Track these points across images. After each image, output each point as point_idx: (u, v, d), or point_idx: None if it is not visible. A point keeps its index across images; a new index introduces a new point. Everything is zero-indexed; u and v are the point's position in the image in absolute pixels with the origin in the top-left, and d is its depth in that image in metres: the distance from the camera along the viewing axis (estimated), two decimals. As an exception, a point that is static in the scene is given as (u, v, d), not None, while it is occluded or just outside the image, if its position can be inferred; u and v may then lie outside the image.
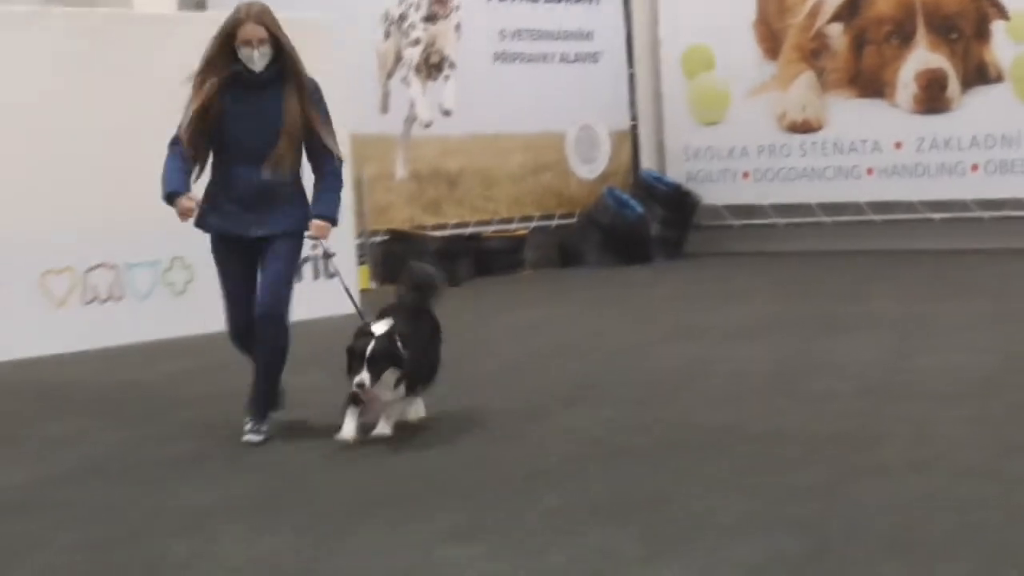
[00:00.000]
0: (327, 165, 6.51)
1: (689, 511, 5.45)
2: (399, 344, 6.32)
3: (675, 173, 16.41)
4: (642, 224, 15.55)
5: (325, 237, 6.50)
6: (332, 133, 6.58)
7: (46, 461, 7.19)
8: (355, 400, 6.35)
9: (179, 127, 6.37)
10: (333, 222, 6.54)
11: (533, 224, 15.73)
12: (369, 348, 6.12)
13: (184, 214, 6.28)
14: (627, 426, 7.35)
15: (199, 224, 6.47)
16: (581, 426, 7.33)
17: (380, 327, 6.34)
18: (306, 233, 6.50)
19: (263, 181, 6.34)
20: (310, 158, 6.47)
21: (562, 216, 15.99)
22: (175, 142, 6.37)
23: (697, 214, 16.26)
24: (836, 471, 6.02)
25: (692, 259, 15.89)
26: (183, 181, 6.30)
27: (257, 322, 6.42)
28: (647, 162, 16.73)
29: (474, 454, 7.13)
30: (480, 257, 14.97)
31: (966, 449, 6.37)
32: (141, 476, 6.70)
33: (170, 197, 6.26)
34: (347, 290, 6.72)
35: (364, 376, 6.07)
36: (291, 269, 6.66)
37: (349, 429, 6.22)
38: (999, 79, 14.60)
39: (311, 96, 6.43)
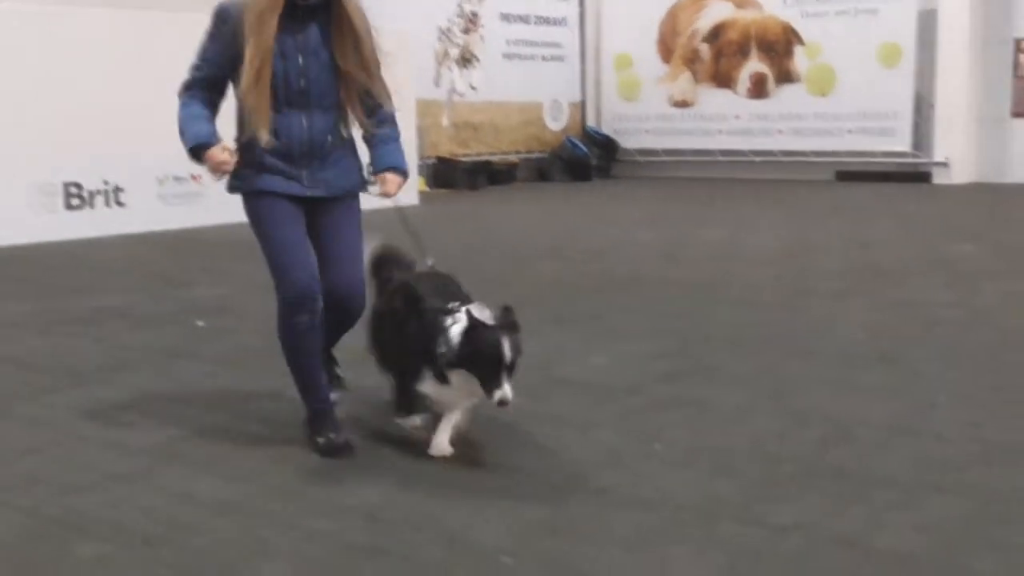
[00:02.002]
0: (385, 110, 4.20)
1: (610, 324, 6.12)
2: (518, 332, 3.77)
3: (607, 129, 18.52)
4: (586, 158, 17.69)
5: (395, 194, 4.18)
6: (382, 77, 4.20)
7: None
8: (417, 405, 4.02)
9: (193, 68, 4.09)
10: (404, 175, 4.25)
11: (523, 156, 17.61)
12: (508, 349, 3.63)
13: (219, 168, 4.01)
14: (575, 273, 8.11)
15: (235, 186, 4.16)
16: (549, 271, 8.23)
17: (483, 313, 3.76)
18: (373, 189, 4.22)
19: (318, 130, 4.03)
20: (363, 103, 4.11)
21: (539, 152, 17.98)
22: (190, 86, 4.10)
23: (618, 153, 18.28)
24: (696, 302, 6.89)
25: (615, 180, 17.70)
26: (210, 130, 4.04)
27: (343, 302, 4.14)
28: (591, 122, 18.77)
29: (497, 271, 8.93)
30: (491, 174, 16.59)
31: (768, 291, 7.33)
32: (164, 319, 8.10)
33: (197, 151, 4.00)
34: (413, 233, 4.16)
35: (507, 391, 3.60)
36: (361, 236, 4.27)
37: (445, 441, 3.94)
38: (798, 80, 16.68)
39: (366, 31, 4.06)
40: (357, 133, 4.22)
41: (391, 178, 4.20)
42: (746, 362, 5.27)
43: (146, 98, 11.08)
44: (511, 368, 3.66)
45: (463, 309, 3.78)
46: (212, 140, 3.99)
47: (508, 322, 3.77)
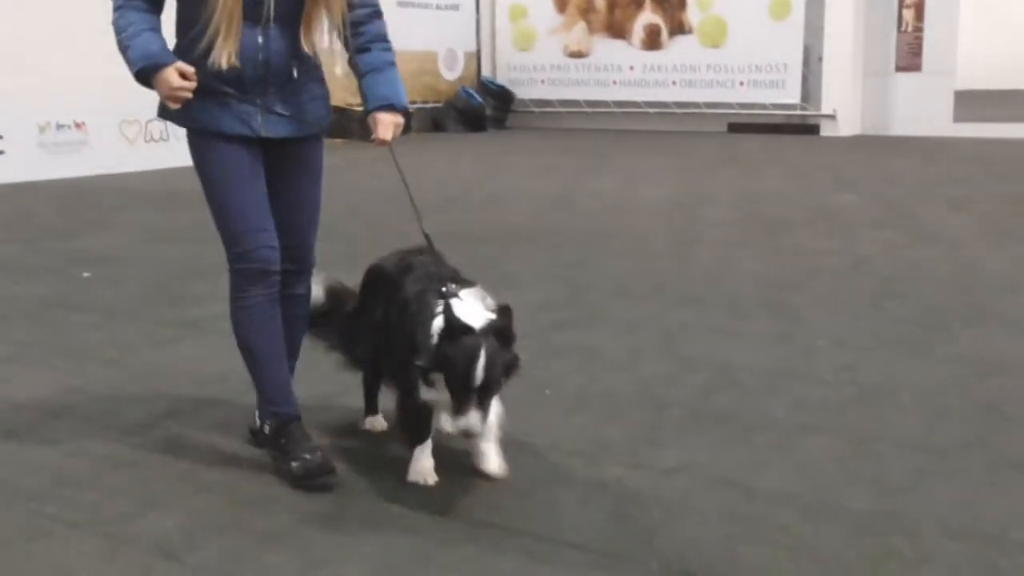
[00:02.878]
0: (374, 25, 3.32)
1: (503, 273, 5.95)
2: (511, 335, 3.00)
3: (502, 79, 18.40)
4: (481, 109, 17.55)
5: (391, 140, 3.34)
6: None
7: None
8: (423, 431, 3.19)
9: None
10: (404, 112, 3.39)
11: (417, 106, 17.00)
12: (482, 367, 2.87)
13: (174, 95, 3.12)
14: (468, 223, 8.16)
15: (172, 114, 3.24)
16: (443, 221, 7.75)
17: (474, 306, 3.04)
18: (374, 137, 3.28)
19: (276, 51, 3.17)
20: (343, 18, 3.22)
21: (434, 102, 17.75)
22: None
23: (513, 104, 18.18)
24: (588, 251, 6.95)
25: (509, 130, 17.65)
26: (160, 45, 3.13)
27: (288, 276, 3.37)
28: (486, 72, 18.64)
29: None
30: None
31: (658, 240, 7.45)
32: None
33: (146, 73, 3.12)
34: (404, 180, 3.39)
35: (474, 419, 2.88)
36: (321, 189, 3.45)
37: (426, 466, 3.21)
38: (690, 32, 16.72)
39: None
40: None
41: (385, 118, 3.36)
42: (635, 310, 5.36)
43: (25, 35, 10.91)
44: (485, 391, 2.92)
45: (453, 295, 3.10)
46: (166, 59, 3.15)
47: (497, 328, 2.98)
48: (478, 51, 18.79)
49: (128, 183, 11.33)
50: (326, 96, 3.42)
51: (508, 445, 3.35)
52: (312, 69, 3.35)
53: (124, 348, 4.84)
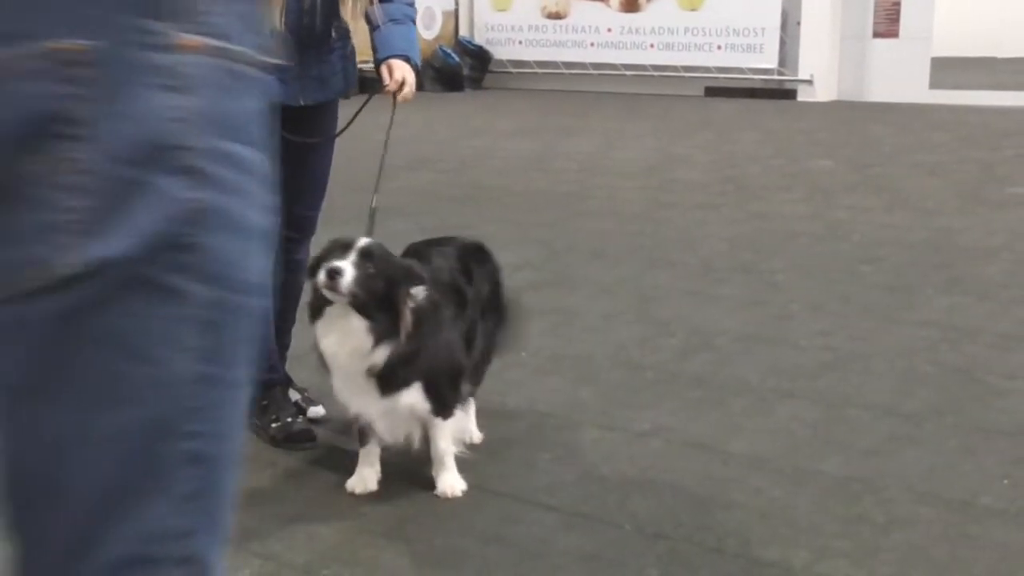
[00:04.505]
0: None
1: (479, 234, 6.71)
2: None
3: (479, 39, 18.12)
4: (458, 68, 17.33)
5: (404, 91, 3.22)
6: None
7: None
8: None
9: None
10: (415, 67, 3.26)
11: None
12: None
13: None
14: (444, 184, 8.16)
15: None
16: (419, 181, 8.11)
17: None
18: (387, 87, 3.20)
19: (321, 16, 3.05)
20: None
21: None
22: None
23: (491, 64, 17.92)
24: (563, 213, 6.93)
25: (486, 91, 17.33)
26: None
27: (288, 243, 3.23)
28: (463, 31, 18.33)
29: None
30: (362, 82, 17.19)
31: (634, 203, 7.38)
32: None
33: None
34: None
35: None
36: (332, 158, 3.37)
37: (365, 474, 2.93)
38: None
39: None
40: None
41: (401, 64, 3.22)
42: (611, 272, 5.36)
43: None
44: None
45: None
46: None
47: (365, 249, 2.69)
48: (456, 10, 18.55)
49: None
50: (355, 57, 3.33)
51: (483, 405, 3.35)
52: (343, 30, 3.24)
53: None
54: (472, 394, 3.13)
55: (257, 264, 0.95)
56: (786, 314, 4.64)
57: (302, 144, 3.20)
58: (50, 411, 0.89)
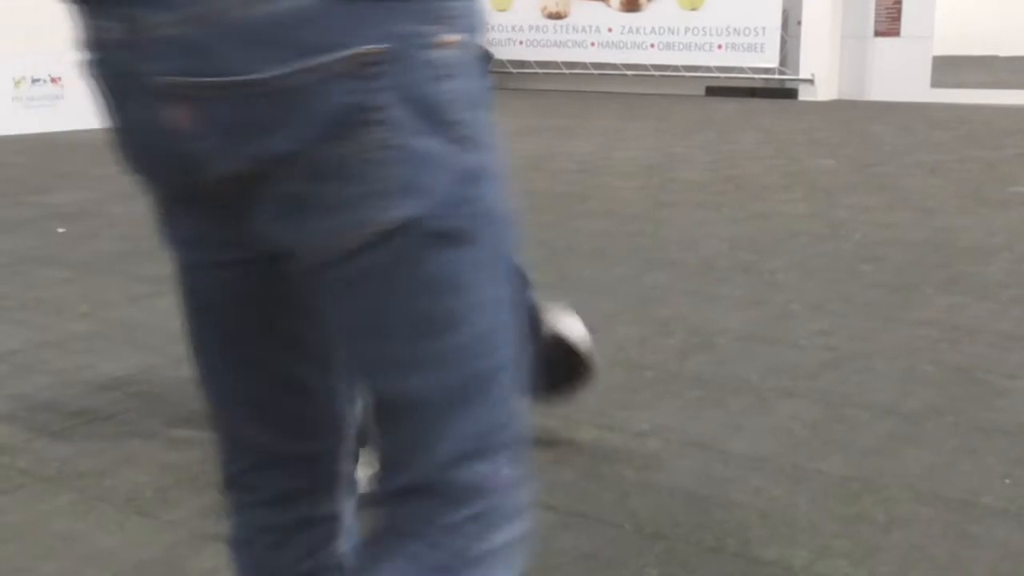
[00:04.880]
0: None
1: None
2: None
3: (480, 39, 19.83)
4: None
5: None
6: None
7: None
8: None
9: None
10: None
11: None
12: None
13: None
14: None
15: None
16: None
17: None
18: None
19: None
20: None
21: None
22: None
23: (491, 64, 19.56)
24: (563, 213, 6.95)
25: (496, 92, 19.10)
26: None
27: None
28: None
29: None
30: None
31: (634, 203, 7.43)
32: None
33: None
34: None
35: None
36: None
37: None
38: None
39: None
40: None
41: None
42: (610, 272, 5.34)
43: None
44: None
45: None
46: None
47: None
48: (457, 10, 18.59)
49: (104, 138, 11.05)
50: None
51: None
52: None
53: (99, 303, 4.80)
54: None
55: (507, 201, 1.19)
56: (786, 313, 4.63)
57: None
58: (389, 345, 1.13)
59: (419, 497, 1.19)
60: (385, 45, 1.05)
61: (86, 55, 1.16)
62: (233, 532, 1.44)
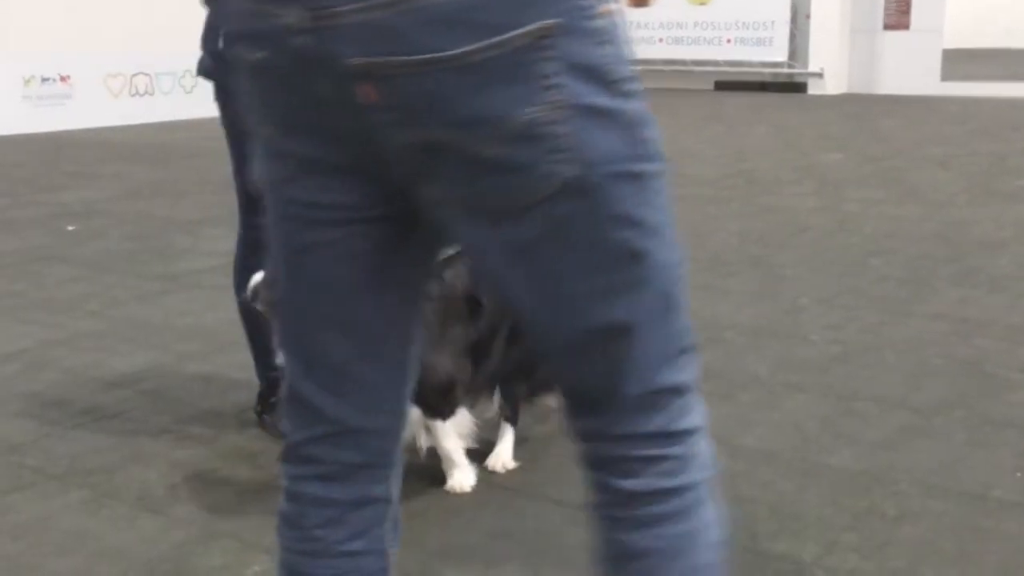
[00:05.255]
0: None
1: None
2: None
3: None
4: None
5: None
6: None
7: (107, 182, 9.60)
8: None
9: None
10: None
11: None
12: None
13: None
14: None
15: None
16: None
17: None
18: None
19: None
20: None
21: None
22: None
23: None
24: None
25: None
26: None
27: None
28: None
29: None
30: None
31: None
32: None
33: None
34: None
35: None
36: None
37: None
38: None
39: None
40: None
41: None
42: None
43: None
44: None
45: None
46: None
47: None
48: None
49: (112, 137, 11.31)
50: None
51: (492, 401, 3.33)
52: None
53: (108, 301, 4.81)
54: (508, 419, 3.07)
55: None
56: (795, 307, 4.62)
57: None
58: (590, 281, 1.28)
59: (636, 404, 1.36)
60: (557, 19, 1.18)
61: (242, 40, 1.27)
62: (285, 506, 1.51)
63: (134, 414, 3.46)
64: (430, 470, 2.97)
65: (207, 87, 3.14)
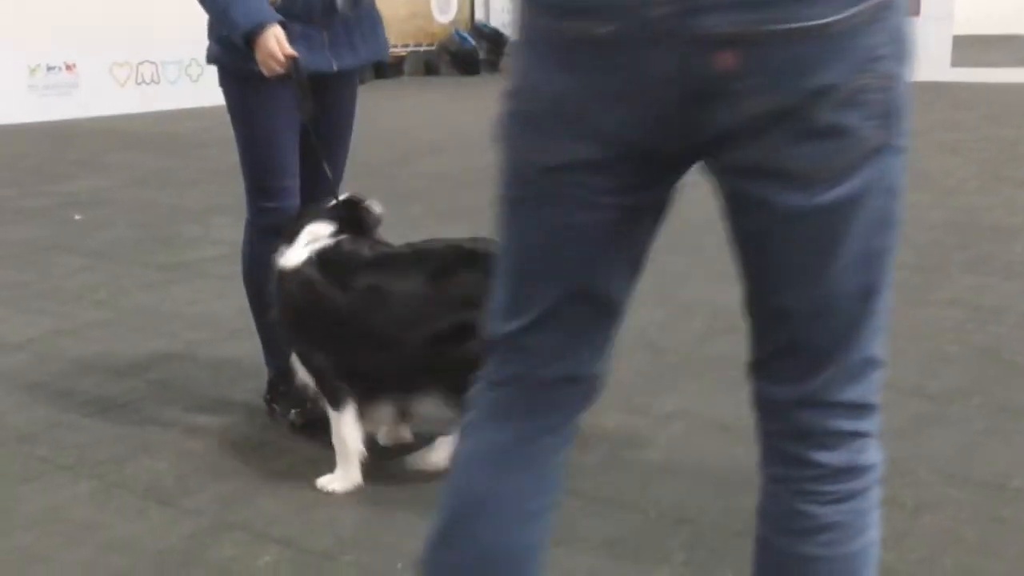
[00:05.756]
0: None
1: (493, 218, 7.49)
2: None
3: (495, 22, 18.22)
4: (474, 52, 17.47)
5: None
6: None
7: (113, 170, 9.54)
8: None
9: None
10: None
11: (410, 49, 17.39)
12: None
13: (274, 60, 2.78)
14: (460, 168, 7.99)
15: (232, 57, 2.93)
16: (435, 165, 8.26)
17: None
18: None
19: None
20: None
21: (427, 45, 17.72)
22: None
23: (507, 47, 16.77)
24: None
25: (503, 74, 19.13)
26: (264, 3, 2.81)
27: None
28: (479, 15, 18.61)
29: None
30: (378, 68, 15.95)
31: None
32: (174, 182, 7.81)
33: (253, 34, 2.77)
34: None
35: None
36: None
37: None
38: None
39: None
40: None
41: None
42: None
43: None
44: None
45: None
46: (270, 18, 2.81)
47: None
48: (472, -6, 18.53)
49: (118, 125, 11.29)
50: (383, 26, 3.20)
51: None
52: None
53: (115, 291, 4.79)
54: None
55: None
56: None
57: (329, 115, 3.10)
58: (861, 243, 1.35)
59: (851, 370, 1.44)
60: None
61: (586, 14, 1.29)
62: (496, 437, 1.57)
63: (143, 404, 3.43)
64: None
65: (213, 76, 3.13)
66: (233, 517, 2.67)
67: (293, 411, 3.18)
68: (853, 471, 1.49)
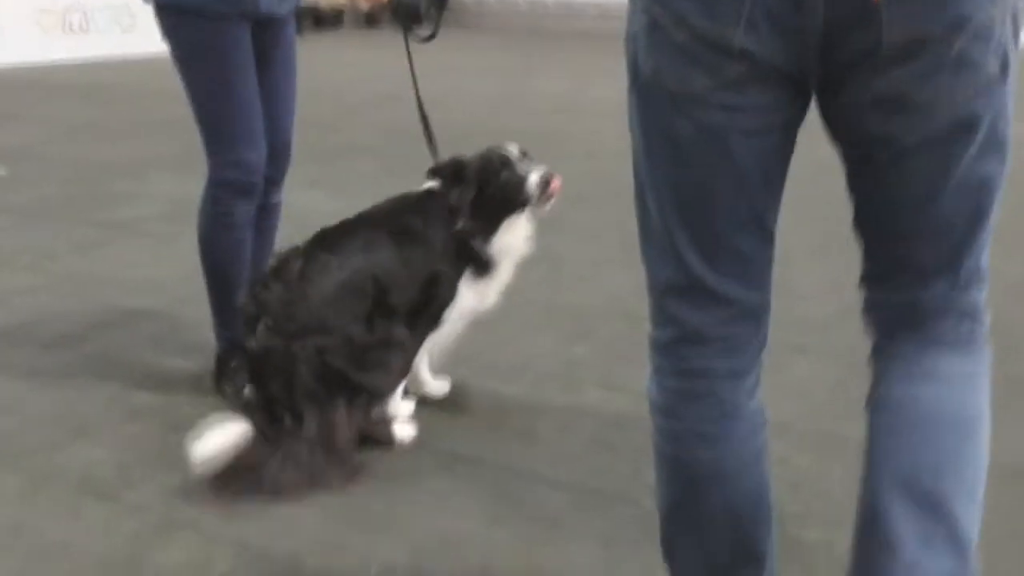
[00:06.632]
0: None
1: None
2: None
3: None
4: (417, 5, 18.88)
5: None
6: None
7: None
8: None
9: None
10: None
11: (351, 1, 16.99)
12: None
13: None
14: (409, 122, 8.17)
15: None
16: (382, 119, 8.01)
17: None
18: None
19: None
20: None
21: None
22: None
23: (450, 2, 19.46)
24: (541, 154, 7.56)
25: (445, 28, 18.51)
26: None
27: (267, 183, 2.98)
28: None
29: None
30: (318, 19, 16.46)
31: (613, 143, 8.47)
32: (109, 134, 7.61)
33: None
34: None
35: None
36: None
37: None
38: None
39: None
40: None
41: None
42: (596, 216, 5.07)
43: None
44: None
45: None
46: None
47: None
48: (413, -56, 18.21)
49: (45, 75, 10.87)
50: None
51: (474, 366, 3.07)
52: None
53: (44, 254, 4.46)
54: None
55: None
56: (785, 259, 4.33)
57: (271, 63, 2.96)
58: (984, 162, 1.43)
59: (967, 278, 1.58)
60: None
61: None
62: (678, 386, 1.77)
63: (77, 381, 3.13)
64: (408, 456, 2.69)
65: (147, 24, 2.83)
66: (182, 515, 2.39)
67: (245, 389, 2.88)
68: (967, 350, 1.63)
